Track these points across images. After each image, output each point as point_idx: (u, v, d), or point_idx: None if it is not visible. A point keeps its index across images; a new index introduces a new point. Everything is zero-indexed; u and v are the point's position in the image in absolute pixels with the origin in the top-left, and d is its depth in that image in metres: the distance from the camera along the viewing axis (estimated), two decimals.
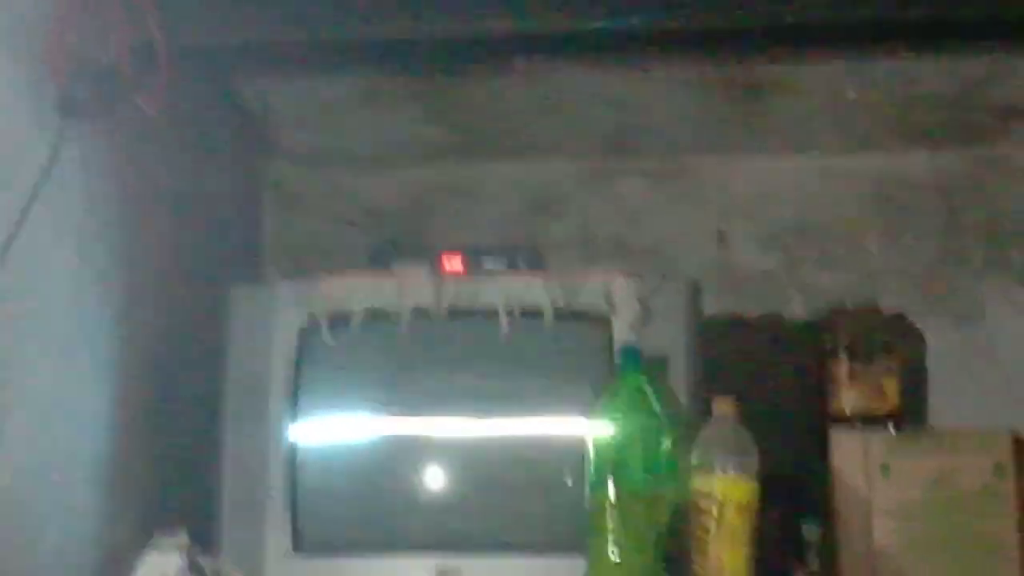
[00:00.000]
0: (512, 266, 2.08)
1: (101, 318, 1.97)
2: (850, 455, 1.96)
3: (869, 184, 2.48)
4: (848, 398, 2.19)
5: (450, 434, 2.03)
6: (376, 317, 2.04)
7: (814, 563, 2.07)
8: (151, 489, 2.05)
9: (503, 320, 2.02)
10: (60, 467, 1.84)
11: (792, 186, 2.49)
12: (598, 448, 1.88)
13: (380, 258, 2.12)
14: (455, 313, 2.04)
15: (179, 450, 2.11)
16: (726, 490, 1.86)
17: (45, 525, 1.79)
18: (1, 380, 1.71)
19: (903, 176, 2.47)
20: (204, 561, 1.91)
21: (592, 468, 1.87)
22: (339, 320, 2.05)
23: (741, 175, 2.50)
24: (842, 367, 2.20)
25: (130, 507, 1.99)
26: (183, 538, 1.90)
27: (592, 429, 1.89)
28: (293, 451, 2.02)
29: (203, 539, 1.94)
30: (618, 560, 1.85)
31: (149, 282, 2.09)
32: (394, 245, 2.40)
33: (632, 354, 1.93)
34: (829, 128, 2.42)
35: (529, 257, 2.09)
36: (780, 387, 2.36)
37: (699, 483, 1.86)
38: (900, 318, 2.38)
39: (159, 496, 2.05)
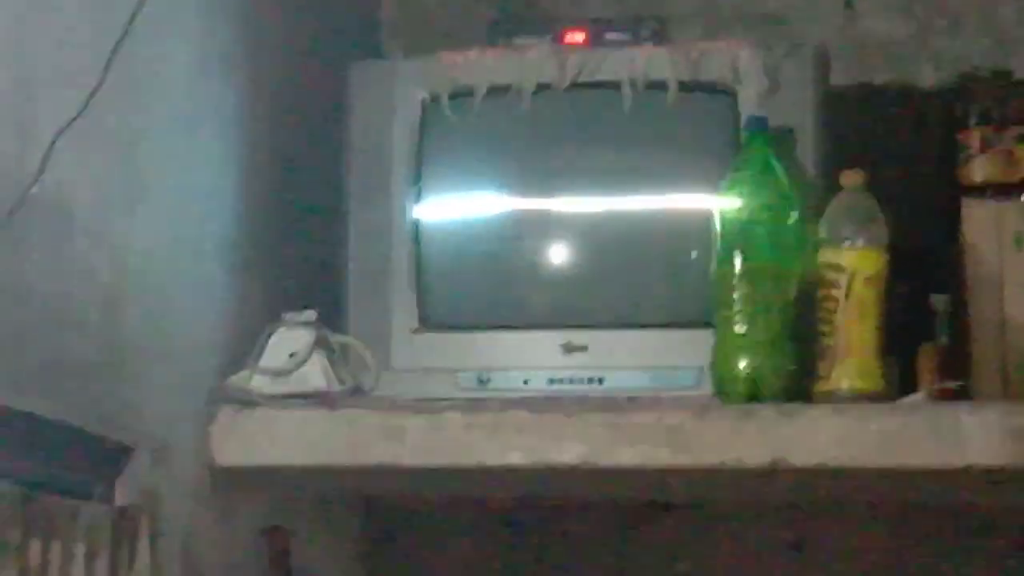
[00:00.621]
0: (635, 38, 2.04)
1: (225, 97, 1.97)
2: (982, 225, 1.92)
3: None
4: (980, 167, 2.14)
5: (574, 209, 2.02)
6: (498, 92, 2.02)
7: (943, 336, 2.05)
8: (278, 267, 2.07)
9: (627, 93, 1.99)
10: (190, 246, 1.86)
11: None
12: (724, 222, 1.86)
13: (501, 32, 2.10)
14: (577, 87, 2.01)
15: (304, 229, 2.12)
16: (854, 262, 1.84)
17: (177, 303, 1.81)
18: (130, 159, 1.72)
19: None
20: (331, 337, 1.93)
21: (719, 242, 1.86)
22: (461, 96, 2.03)
23: None
24: (974, 136, 2.15)
25: (258, 285, 2.01)
26: (311, 315, 1.92)
27: (718, 202, 1.87)
28: (417, 228, 2.03)
29: (330, 316, 1.96)
30: (745, 333, 1.84)
31: (269, 62, 2.08)
32: (515, 19, 2.37)
33: (759, 126, 1.91)
34: None
35: (653, 29, 2.05)
36: (910, 158, 2.32)
37: (827, 255, 1.85)
38: None
39: (286, 274, 2.07)
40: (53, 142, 1.53)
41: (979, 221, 1.93)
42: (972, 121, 2.15)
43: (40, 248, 1.54)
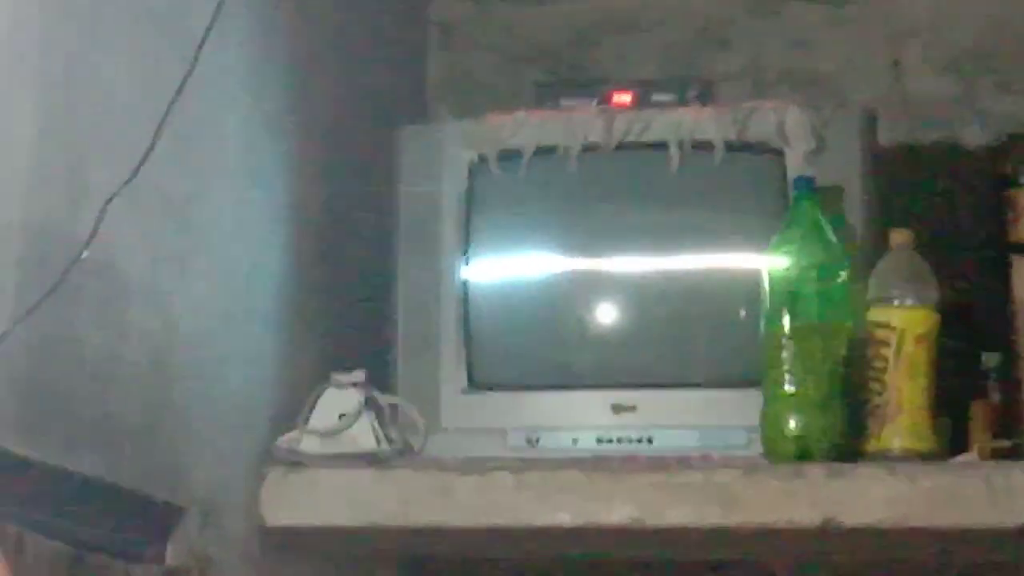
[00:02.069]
0: (681, 99, 2.05)
1: (275, 161, 1.98)
2: None
3: None
4: None
5: (622, 269, 2.02)
6: (545, 153, 2.03)
7: (995, 393, 2.04)
8: (328, 328, 2.07)
9: (673, 154, 2.00)
10: (240, 309, 1.87)
11: (969, 8, 2.41)
12: (773, 281, 1.86)
13: (547, 94, 2.11)
14: (624, 148, 2.02)
15: (353, 290, 2.13)
16: (904, 320, 1.83)
17: (228, 364, 1.82)
18: (181, 221, 1.73)
19: None
20: (380, 397, 1.94)
21: (767, 301, 1.86)
22: (508, 157, 2.04)
23: None
24: (1022, 194, 2.15)
25: (308, 346, 2.02)
26: (360, 375, 1.92)
27: (767, 262, 1.87)
28: (466, 288, 2.03)
29: (379, 377, 1.97)
30: (794, 392, 1.84)
31: (319, 124, 2.10)
32: (561, 81, 2.38)
33: (807, 186, 1.91)
34: None
35: (699, 89, 2.06)
36: (958, 216, 2.32)
37: (877, 314, 1.84)
38: None
39: (335, 335, 2.08)
40: (105, 205, 1.54)
41: None
42: (1020, 179, 2.15)
43: (93, 310, 1.55)
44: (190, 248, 1.75)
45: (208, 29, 1.74)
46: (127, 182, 1.58)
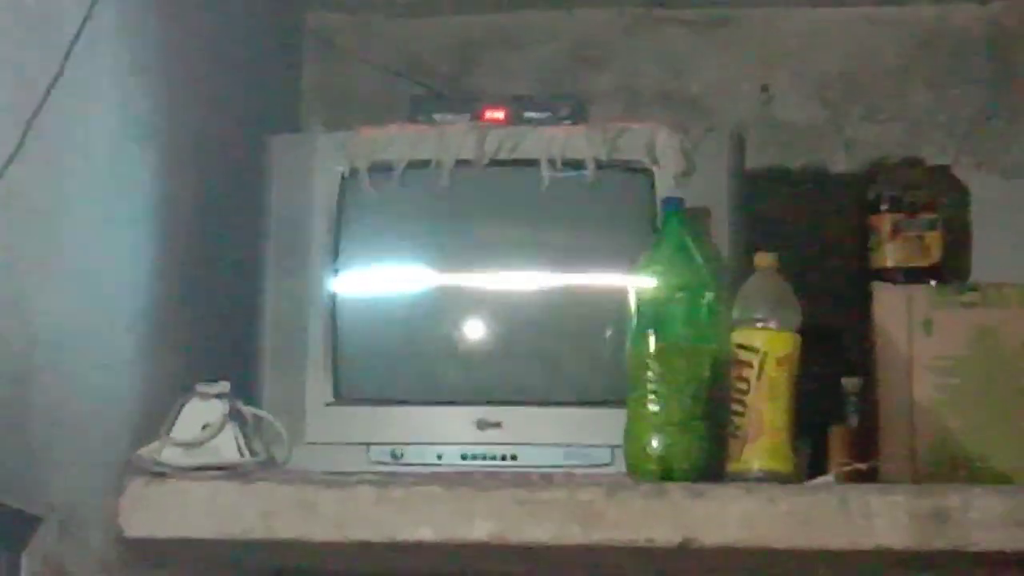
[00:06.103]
0: (554, 117, 2.06)
1: (143, 166, 1.96)
2: (892, 310, 1.95)
3: (916, 34, 2.44)
4: (890, 252, 2.18)
5: (491, 286, 2.03)
6: (417, 168, 2.03)
7: (853, 417, 2.07)
8: (192, 338, 2.06)
9: (544, 171, 2.01)
10: (103, 317, 1.85)
11: (838, 37, 2.45)
12: (639, 301, 1.88)
13: (421, 108, 2.11)
14: (496, 164, 2.03)
15: (220, 300, 2.12)
16: (767, 343, 1.86)
17: (89, 374, 1.80)
18: (44, 232, 1.71)
19: (951, 26, 2.44)
20: (245, 409, 1.92)
21: (634, 321, 1.87)
22: (380, 171, 2.04)
23: (786, 25, 2.46)
24: (885, 221, 2.19)
25: (172, 356, 2.00)
26: (224, 387, 1.91)
27: (634, 281, 1.88)
28: (334, 301, 2.03)
29: (244, 388, 1.96)
30: (658, 412, 1.85)
31: (189, 133, 2.08)
32: (435, 95, 2.39)
33: (675, 206, 1.92)
34: None
35: (572, 108, 2.07)
36: (822, 241, 2.35)
37: (740, 336, 1.86)
38: (945, 171, 2.36)
39: (200, 345, 2.06)
40: None
41: (889, 305, 1.95)
42: (883, 206, 2.19)
43: None
44: (54, 255, 1.73)
45: (78, 32, 1.73)
46: None
